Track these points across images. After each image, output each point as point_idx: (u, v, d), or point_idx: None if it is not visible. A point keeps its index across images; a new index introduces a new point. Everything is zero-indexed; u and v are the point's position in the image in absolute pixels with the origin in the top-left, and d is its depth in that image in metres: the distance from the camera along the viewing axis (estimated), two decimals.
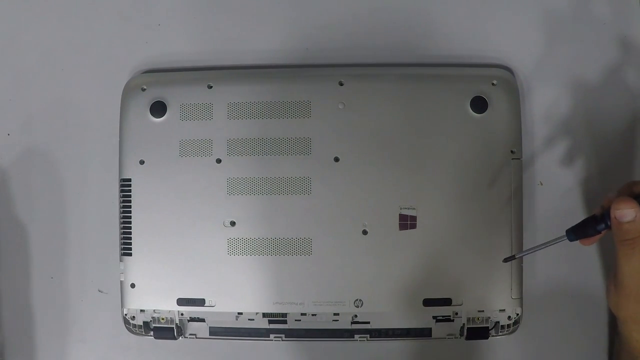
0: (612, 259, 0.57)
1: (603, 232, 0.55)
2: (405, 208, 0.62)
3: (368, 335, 0.63)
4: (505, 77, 0.64)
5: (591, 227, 0.55)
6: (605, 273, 0.65)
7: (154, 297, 0.63)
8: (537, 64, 0.66)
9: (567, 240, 0.56)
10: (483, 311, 0.62)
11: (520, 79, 0.66)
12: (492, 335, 0.63)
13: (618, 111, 0.66)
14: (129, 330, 0.64)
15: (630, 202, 0.53)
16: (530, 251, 0.58)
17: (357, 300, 0.62)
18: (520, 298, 0.62)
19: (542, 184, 0.66)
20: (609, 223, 0.54)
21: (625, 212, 0.53)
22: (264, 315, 0.63)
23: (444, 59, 0.66)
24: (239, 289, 0.63)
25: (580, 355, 0.66)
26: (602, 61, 0.66)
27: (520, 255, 0.59)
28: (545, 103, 0.66)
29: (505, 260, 0.60)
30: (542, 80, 0.66)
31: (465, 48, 0.66)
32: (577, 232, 0.56)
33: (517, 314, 0.62)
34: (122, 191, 0.64)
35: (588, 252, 0.65)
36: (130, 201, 0.63)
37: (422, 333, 0.63)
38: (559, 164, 0.65)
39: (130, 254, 0.63)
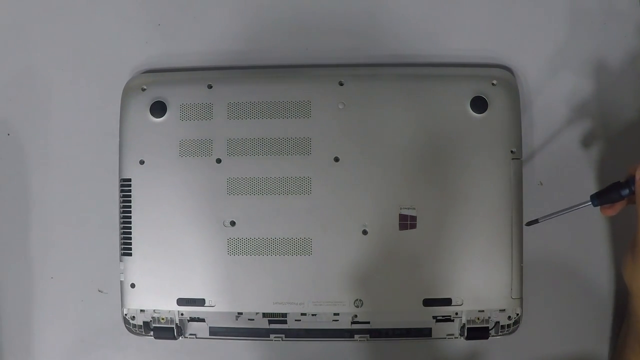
0: (629, 235, 0.57)
1: (625, 201, 0.57)
2: (405, 208, 0.62)
3: (368, 335, 0.63)
4: (505, 77, 0.64)
5: (615, 191, 0.56)
6: (609, 269, 0.66)
7: (154, 297, 0.63)
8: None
9: (591, 205, 0.57)
10: (483, 311, 0.62)
11: (520, 78, 0.66)
12: (492, 335, 0.63)
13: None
14: (129, 330, 0.64)
15: None
16: (554, 215, 0.59)
17: (357, 300, 0.62)
18: (520, 298, 0.62)
19: (542, 184, 0.66)
20: (632, 188, 0.55)
21: None
22: (264, 315, 0.63)
23: (444, 59, 0.66)
24: (239, 289, 0.63)
25: (580, 356, 0.66)
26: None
27: (544, 219, 0.59)
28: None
29: (528, 223, 0.60)
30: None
31: (465, 48, 0.66)
32: (601, 197, 0.57)
33: (517, 314, 0.62)
34: (122, 191, 0.64)
35: (590, 251, 0.66)
36: (130, 201, 0.63)
37: (422, 333, 0.63)
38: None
39: (130, 254, 0.63)
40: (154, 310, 0.64)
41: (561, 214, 0.58)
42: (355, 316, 0.63)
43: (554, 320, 0.66)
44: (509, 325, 0.63)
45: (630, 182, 0.56)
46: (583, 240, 0.66)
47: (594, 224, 0.66)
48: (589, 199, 0.58)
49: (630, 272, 0.58)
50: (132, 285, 0.63)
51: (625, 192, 0.56)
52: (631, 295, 0.59)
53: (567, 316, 0.66)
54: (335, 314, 0.63)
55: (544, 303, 0.66)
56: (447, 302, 0.62)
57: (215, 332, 0.64)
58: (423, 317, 0.62)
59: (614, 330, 0.65)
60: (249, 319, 0.63)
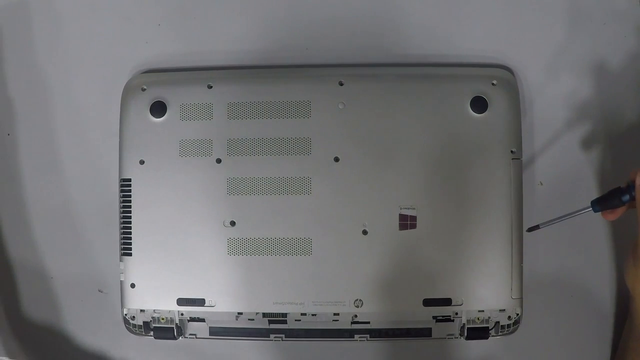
0: (631, 238, 0.57)
1: (626, 206, 0.56)
2: (405, 208, 0.62)
3: (368, 335, 0.63)
4: (505, 77, 0.64)
5: (616, 197, 0.56)
6: (610, 270, 0.66)
7: (154, 297, 0.63)
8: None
9: (591, 210, 0.57)
10: (483, 311, 0.62)
11: (520, 79, 0.66)
12: (492, 335, 0.63)
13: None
14: (129, 330, 0.64)
15: None
16: (555, 221, 0.59)
17: (357, 300, 0.62)
18: (520, 298, 0.62)
19: (542, 184, 0.66)
20: (633, 194, 0.55)
21: None
22: (264, 315, 0.63)
23: (444, 58, 0.66)
24: (239, 289, 0.63)
25: (580, 355, 0.66)
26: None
27: (545, 225, 0.59)
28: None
29: (530, 229, 0.60)
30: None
31: (465, 48, 0.66)
32: (601, 203, 0.57)
33: (517, 314, 0.62)
34: (122, 191, 0.64)
35: (591, 251, 0.65)
36: (130, 201, 0.63)
37: (422, 333, 0.63)
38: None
39: (130, 254, 0.63)
40: (154, 310, 0.64)
41: (562, 219, 0.58)
42: (355, 316, 0.63)
43: (554, 320, 0.66)
44: (509, 325, 0.63)
45: (630, 187, 0.55)
46: (584, 242, 0.66)
47: (595, 226, 0.65)
48: (589, 204, 0.57)
49: (632, 276, 0.58)
50: (132, 285, 0.63)
51: (626, 198, 0.56)
52: (633, 299, 0.59)
53: (567, 317, 0.66)
54: (335, 314, 0.63)
55: (544, 304, 0.65)
56: (447, 302, 0.62)
57: (215, 332, 0.64)
58: (423, 317, 0.62)
59: (615, 332, 0.65)
60: (249, 319, 0.63)
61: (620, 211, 0.57)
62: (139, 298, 0.63)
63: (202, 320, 0.64)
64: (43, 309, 0.68)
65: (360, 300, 0.62)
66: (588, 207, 0.57)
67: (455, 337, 0.63)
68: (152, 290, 0.63)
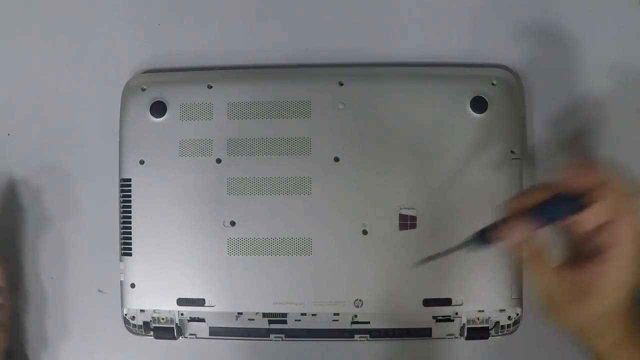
0: None
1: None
2: (405, 208, 0.62)
3: (368, 335, 0.63)
4: (505, 77, 0.64)
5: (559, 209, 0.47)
6: None
7: (154, 297, 0.63)
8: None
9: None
10: (483, 311, 0.62)
11: (520, 79, 0.66)
12: (492, 335, 0.63)
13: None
14: (129, 330, 0.65)
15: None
16: (440, 256, 0.53)
17: (357, 300, 0.62)
18: (520, 298, 0.62)
19: None
20: (581, 202, 0.46)
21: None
22: (264, 315, 0.63)
23: (444, 59, 0.66)
24: (239, 289, 0.63)
25: (580, 356, 0.66)
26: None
27: (430, 260, 0.54)
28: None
29: (416, 264, 0.56)
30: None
31: (465, 48, 0.66)
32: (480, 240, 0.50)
33: (517, 314, 0.62)
34: (122, 191, 0.64)
35: None
36: (130, 201, 0.63)
37: (422, 333, 0.63)
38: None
39: (130, 254, 0.63)
40: (154, 310, 0.64)
41: (445, 254, 0.53)
42: (355, 316, 0.63)
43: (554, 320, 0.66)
44: (509, 325, 0.63)
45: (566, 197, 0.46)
46: None
47: None
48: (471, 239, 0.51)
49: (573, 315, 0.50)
50: (132, 285, 0.63)
51: (566, 209, 0.46)
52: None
53: None
54: (335, 314, 0.63)
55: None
56: (447, 302, 0.62)
57: (215, 332, 0.64)
58: (423, 317, 0.62)
59: None
60: (249, 319, 0.63)
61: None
62: (139, 298, 0.63)
63: (202, 320, 0.64)
64: (42, 309, 0.68)
65: (360, 300, 0.62)
66: (469, 242, 0.50)
67: (455, 337, 0.63)
68: (152, 290, 0.63)
